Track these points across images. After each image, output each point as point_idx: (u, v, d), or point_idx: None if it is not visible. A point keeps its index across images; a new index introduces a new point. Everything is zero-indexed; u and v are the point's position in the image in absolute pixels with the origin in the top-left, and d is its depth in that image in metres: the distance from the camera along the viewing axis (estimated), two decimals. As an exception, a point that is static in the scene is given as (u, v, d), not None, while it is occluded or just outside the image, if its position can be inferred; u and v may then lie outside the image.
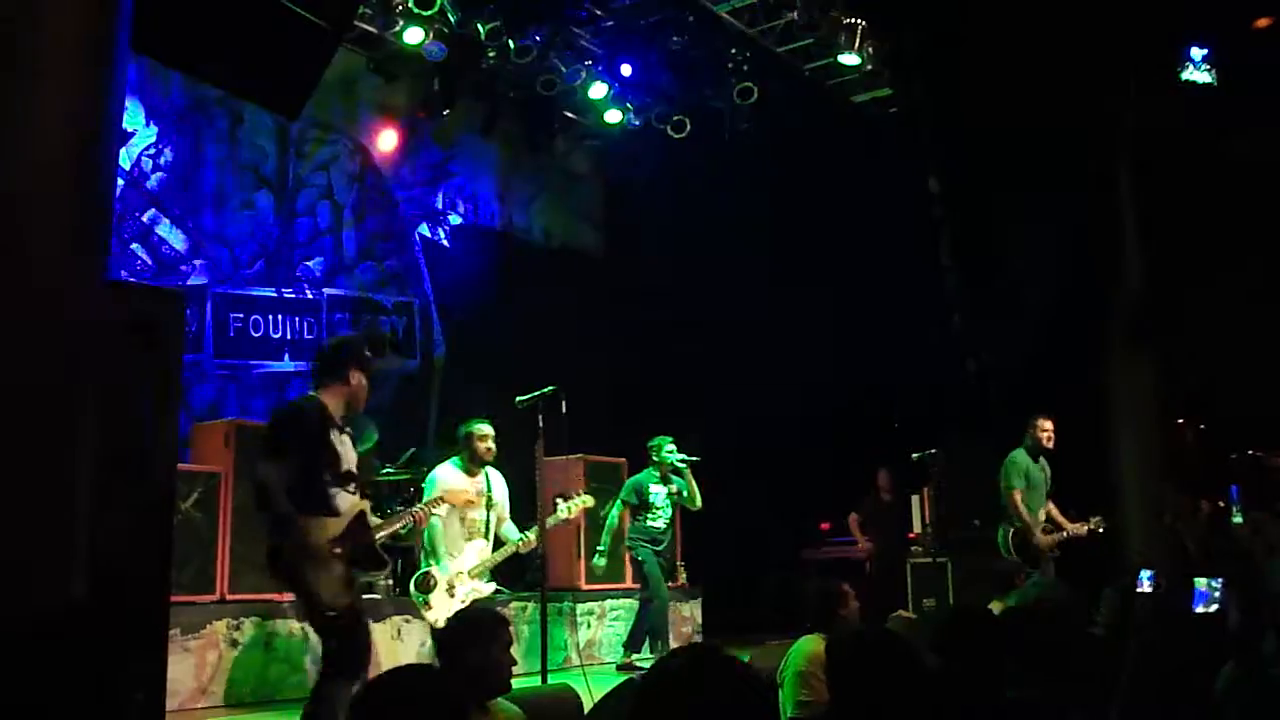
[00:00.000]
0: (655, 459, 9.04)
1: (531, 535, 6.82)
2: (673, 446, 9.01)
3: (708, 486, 9.11)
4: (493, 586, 6.82)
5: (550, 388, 6.70)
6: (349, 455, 5.11)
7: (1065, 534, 8.67)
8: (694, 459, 8.98)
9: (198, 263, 10.02)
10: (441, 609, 6.52)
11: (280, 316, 10.50)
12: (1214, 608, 4.88)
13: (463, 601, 6.56)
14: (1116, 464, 9.80)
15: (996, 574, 6.83)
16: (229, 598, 7.48)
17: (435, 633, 6.47)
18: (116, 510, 3.66)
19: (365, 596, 8.15)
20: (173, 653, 6.36)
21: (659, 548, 9.10)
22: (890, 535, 10.83)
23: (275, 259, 10.61)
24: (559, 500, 7.12)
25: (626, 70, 11.06)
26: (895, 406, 11.36)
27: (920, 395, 10.91)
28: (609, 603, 9.88)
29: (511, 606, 8.65)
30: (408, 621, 8.13)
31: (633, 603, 9.52)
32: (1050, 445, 8.78)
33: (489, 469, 6.94)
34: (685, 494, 9.05)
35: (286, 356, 10.49)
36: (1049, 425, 8.78)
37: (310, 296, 10.77)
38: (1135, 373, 10.03)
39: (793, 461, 11.22)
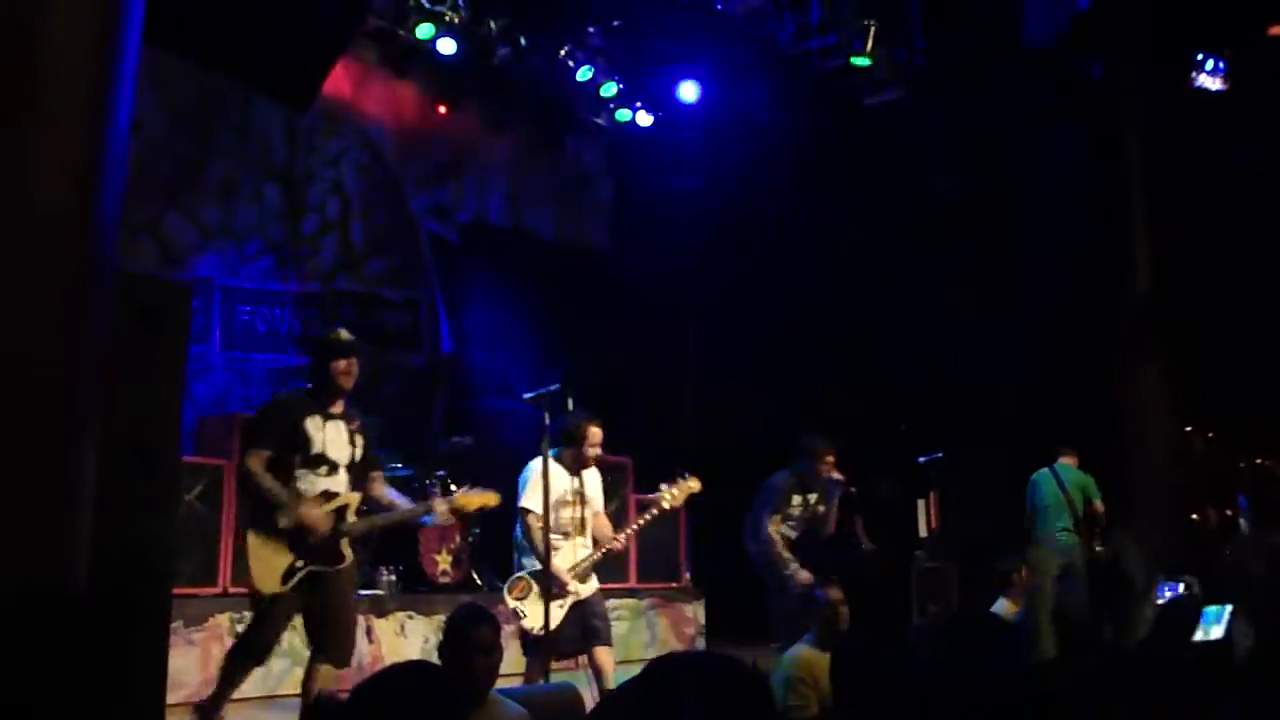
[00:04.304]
0: None
1: (624, 536, 6.47)
2: None
3: (713, 488, 9.01)
4: (594, 587, 6.33)
5: (555, 385, 6.62)
6: (328, 440, 5.37)
7: None
8: None
9: (205, 255, 10.01)
10: (538, 615, 6.02)
11: (287, 310, 10.49)
12: (1217, 634, 4.65)
13: (560, 607, 6.12)
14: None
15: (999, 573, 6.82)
16: (231, 590, 7.44)
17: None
18: (120, 501, 3.65)
19: (366, 593, 8.19)
20: (176, 645, 6.35)
21: None
22: (893, 539, 10.79)
23: (283, 252, 10.58)
24: (662, 486, 6.57)
25: (637, 69, 11.04)
26: (902, 409, 11.31)
27: (928, 398, 10.87)
28: (611, 601, 9.78)
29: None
30: (411, 618, 8.10)
31: (636, 602, 9.45)
32: None
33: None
34: None
35: (293, 350, 10.47)
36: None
37: (317, 290, 10.75)
38: (1143, 378, 9.99)
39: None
